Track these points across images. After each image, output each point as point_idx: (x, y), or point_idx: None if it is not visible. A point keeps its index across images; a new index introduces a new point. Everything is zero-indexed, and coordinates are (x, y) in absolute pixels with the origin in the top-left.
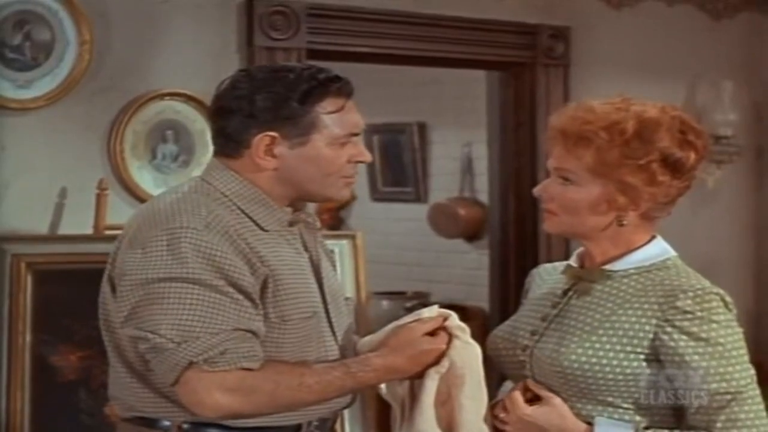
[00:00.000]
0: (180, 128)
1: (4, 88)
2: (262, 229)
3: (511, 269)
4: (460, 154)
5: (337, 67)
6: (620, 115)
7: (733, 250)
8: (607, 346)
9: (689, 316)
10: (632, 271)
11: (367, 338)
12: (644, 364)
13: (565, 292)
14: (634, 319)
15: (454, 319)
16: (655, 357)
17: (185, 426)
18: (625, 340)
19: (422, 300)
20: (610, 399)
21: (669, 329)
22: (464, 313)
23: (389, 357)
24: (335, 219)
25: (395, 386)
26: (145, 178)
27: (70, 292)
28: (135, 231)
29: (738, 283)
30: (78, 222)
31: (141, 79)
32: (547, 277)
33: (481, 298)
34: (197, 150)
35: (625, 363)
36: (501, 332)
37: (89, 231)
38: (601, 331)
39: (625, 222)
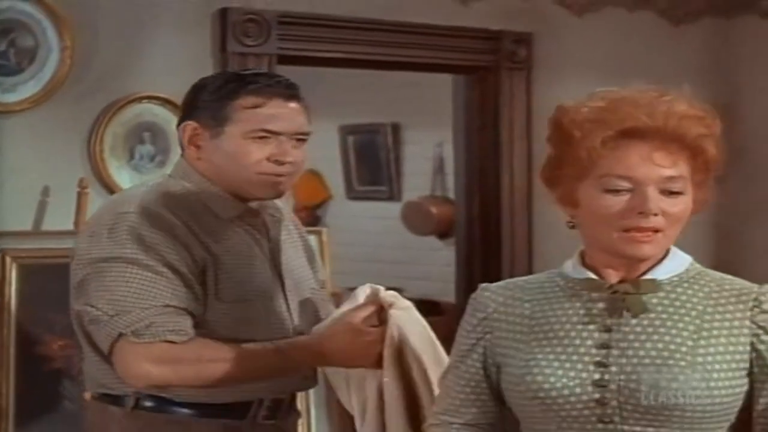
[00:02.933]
0: (157, 130)
1: None
2: (218, 217)
3: (476, 264)
4: (433, 154)
5: (307, 72)
6: (699, 107)
7: (698, 254)
8: (717, 366)
9: None
10: (675, 279)
11: (320, 325)
12: (746, 380)
13: (612, 310)
14: (726, 332)
15: (384, 293)
16: (751, 369)
17: (146, 402)
18: (728, 357)
19: None
20: (710, 426)
21: (765, 337)
22: (438, 308)
23: (323, 343)
24: (312, 217)
25: (349, 394)
26: (123, 177)
27: (53, 284)
28: (91, 218)
29: None
30: (60, 219)
31: (120, 83)
32: (530, 299)
33: (453, 294)
34: (173, 150)
35: (735, 383)
36: (540, 380)
37: (71, 227)
38: (701, 350)
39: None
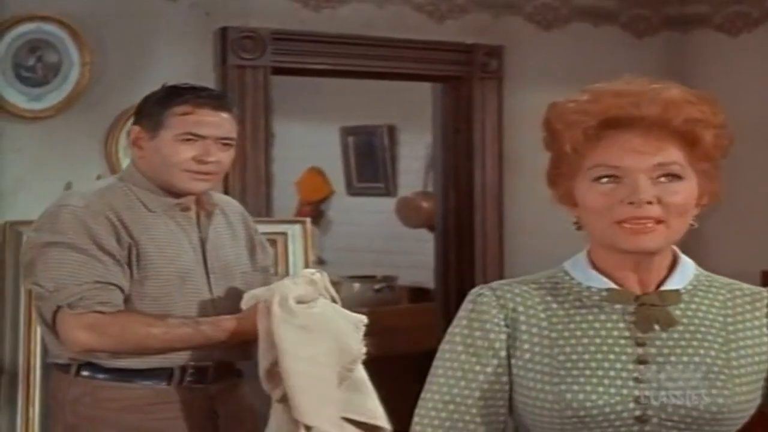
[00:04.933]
0: None
1: (20, 100)
2: (148, 210)
3: (452, 253)
4: (424, 153)
5: (312, 80)
6: (693, 93)
7: None
8: (749, 377)
9: None
10: (690, 288)
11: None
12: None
13: (641, 324)
14: (750, 341)
15: (279, 283)
16: None
17: (84, 371)
18: (756, 367)
19: (390, 283)
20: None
21: None
22: (428, 294)
23: (240, 321)
24: (316, 211)
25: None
26: None
27: None
28: (44, 210)
29: None
30: None
31: (132, 93)
32: (544, 306)
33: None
34: None
35: (759, 387)
36: (581, 399)
37: None
38: (734, 362)
39: (695, 223)
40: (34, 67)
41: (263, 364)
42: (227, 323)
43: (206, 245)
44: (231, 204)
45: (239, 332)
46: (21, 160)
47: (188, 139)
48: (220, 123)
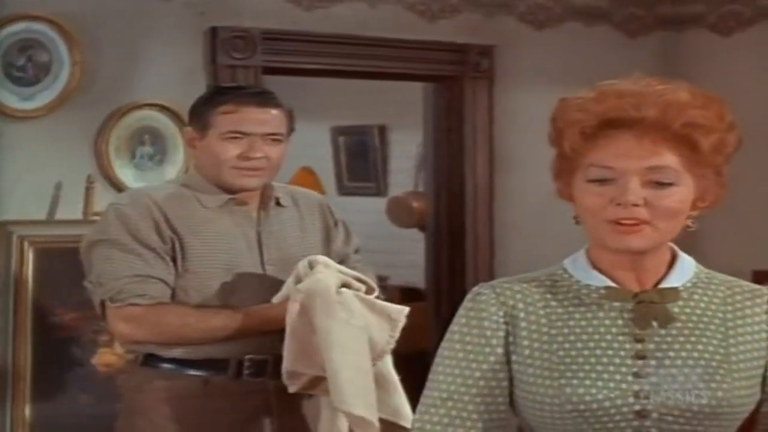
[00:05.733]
0: (156, 133)
1: (12, 100)
2: (202, 206)
3: (443, 253)
4: (415, 153)
5: (303, 80)
6: (700, 97)
7: None
8: (747, 373)
9: None
10: (689, 285)
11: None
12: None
13: (639, 320)
14: (749, 337)
15: (300, 267)
16: (765, 371)
17: (146, 361)
18: (754, 363)
19: (381, 283)
20: (731, 429)
21: None
22: (419, 294)
23: (272, 309)
24: None
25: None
26: (126, 174)
27: (64, 265)
28: None
29: None
30: (71, 209)
31: (123, 93)
32: (544, 304)
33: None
34: (170, 151)
35: (758, 383)
36: (581, 393)
37: (80, 216)
38: (733, 357)
39: (692, 225)
40: (25, 66)
41: (291, 357)
42: (262, 310)
43: (262, 238)
44: (308, 196)
45: (273, 319)
46: (13, 160)
47: (234, 137)
48: (266, 119)
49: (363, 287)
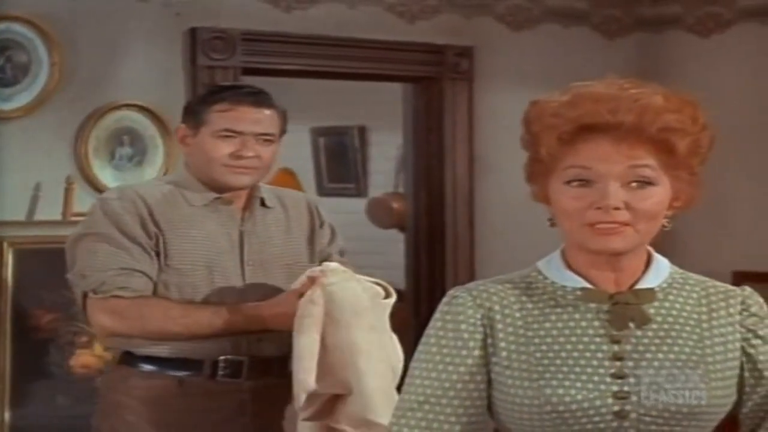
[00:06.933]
0: (135, 134)
1: None
2: (188, 204)
3: (423, 254)
4: (395, 154)
5: (281, 80)
6: (675, 100)
7: None
8: (723, 373)
9: (766, 321)
10: (665, 285)
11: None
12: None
13: (615, 321)
14: (722, 338)
15: (326, 273)
16: (741, 372)
17: (123, 358)
18: (729, 364)
19: None
20: (709, 430)
21: (755, 341)
22: (399, 294)
23: (261, 308)
24: None
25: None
26: (105, 175)
27: (43, 266)
28: None
29: None
30: (50, 210)
31: (102, 93)
32: (519, 306)
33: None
34: (149, 152)
35: (734, 384)
36: (560, 393)
37: (59, 217)
38: (709, 357)
39: (668, 225)
40: (4, 67)
41: (313, 374)
42: (248, 309)
43: (244, 238)
44: (295, 198)
45: (259, 318)
46: None
47: (226, 136)
48: (260, 119)
49: (382, 292)
